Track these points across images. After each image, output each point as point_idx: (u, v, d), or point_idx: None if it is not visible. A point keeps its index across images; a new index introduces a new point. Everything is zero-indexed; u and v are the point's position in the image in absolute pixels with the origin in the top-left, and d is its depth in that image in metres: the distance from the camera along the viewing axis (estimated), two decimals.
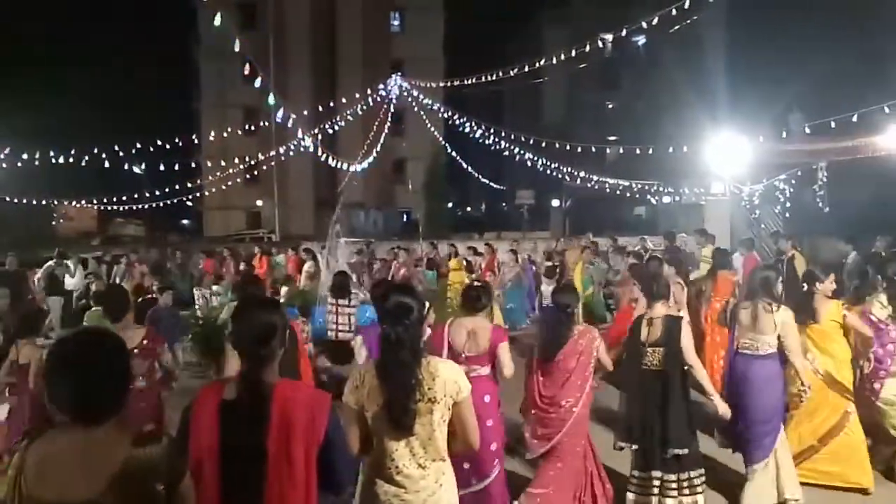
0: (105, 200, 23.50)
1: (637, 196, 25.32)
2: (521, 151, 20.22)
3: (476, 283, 5.36)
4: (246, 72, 10.46)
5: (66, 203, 28.05)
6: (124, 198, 22.71)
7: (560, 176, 22.08)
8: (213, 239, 29.24)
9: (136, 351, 4.61)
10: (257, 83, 10.81)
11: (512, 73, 16.23)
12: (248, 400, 2.29)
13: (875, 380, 5.47)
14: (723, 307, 7.10)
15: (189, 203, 27.37)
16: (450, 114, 20.53)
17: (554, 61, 14.98)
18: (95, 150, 17.14)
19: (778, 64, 25.68)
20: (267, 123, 20.26)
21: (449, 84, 20.96)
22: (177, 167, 19.55)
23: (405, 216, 37.32)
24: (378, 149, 20.49)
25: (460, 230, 36.05)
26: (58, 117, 30.51)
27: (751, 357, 5.01)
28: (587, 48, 13.55)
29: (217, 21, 8.83)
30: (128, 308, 4.92)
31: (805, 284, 5.34)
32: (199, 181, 26.66)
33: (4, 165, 17.12)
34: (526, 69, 15.82)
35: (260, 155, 22.53)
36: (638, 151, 17.36)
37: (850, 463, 5.22)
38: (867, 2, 25.32)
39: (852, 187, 19.56)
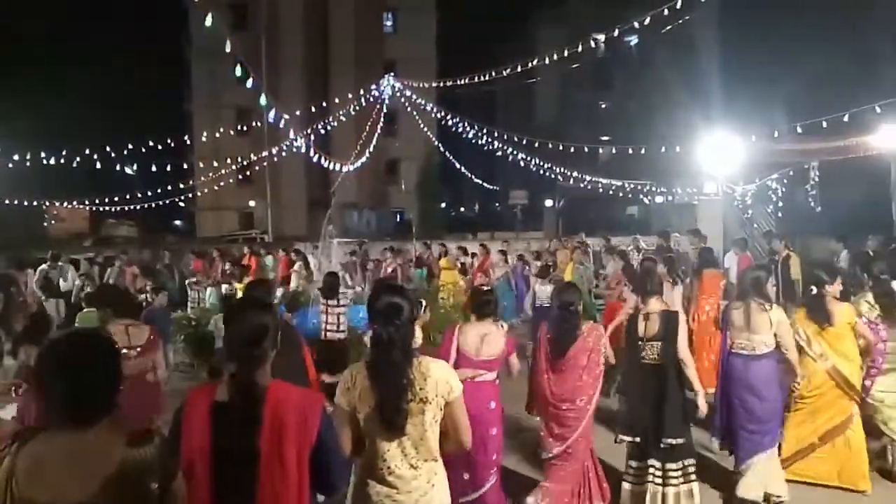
0: (97, 201, 23.40)
1: (630, 196, 25.38)
2: (515, 151, 20.24)
3: (484, 289, 5.42)
4: (238, 73, 10.42)
5: (57, 204, 27.91)
6: (116, 199, 22.63)
7: (553, 176, 22.11)
8: (206, 240, 29.14)
9: (141, 348, 4.80)
10: (249, 84, 10.77)
11: (504, 73, 16.24)
12: (241, 402, 2.29)
13: (866, 377, 5.51)
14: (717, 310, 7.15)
15: (181, 204, 27.29)
16: (443, 114, 20.53)
17: (546, 61, 14.99)
18: (87, 151, 17.07)
19: (770, 64, 25.81)
20: (259, 124, 20.19)
21: (442, 84, 20.97)
22: (169, 168, 19.48)
23: (398, 216, 37.32)
24: (371, 149, 20.49)
25: (454, 230, 36.09)
26: (49, 118, 30.39)
27: (748, 358, 5.03)
28: (580, 48, 13.57)
29: (208, 21, 8.78)
30: (136, 306, 4.99)
31: (814, 287, 5.31)
32: (191, 182, 26.56)
33: None
34: (518, 69, 15.84)
35: (252, 155, 22.49)
36: (630, 151, 17.40)
37: (848, 464, 5.23)
38: (859, 2, 25.48)
39: (844, 187, 19.66)
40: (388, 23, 40.53)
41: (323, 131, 18.96)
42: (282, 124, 12.58)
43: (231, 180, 27.69)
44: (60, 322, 12.05)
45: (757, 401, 4.97)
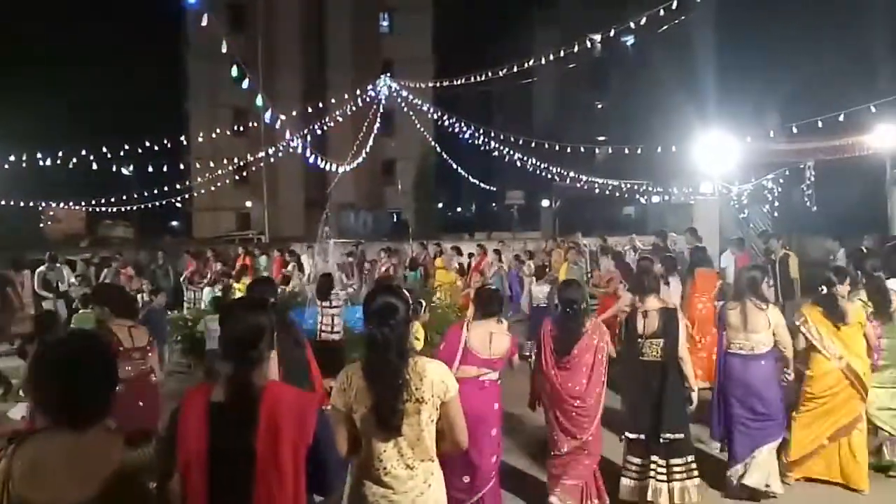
0: (93, 202, 23.35)
1: (626, 196, 25.42)
2: (511, 152, 20.25)
3: (491, 287, 5.45)
4: (234, 73, 10.41)
5: (53, 205, 27.85)
6: (113, 199, 22.60)
7: (550, 176, 22.12)
8: (203, 240, 29.10)
9: (143, 349, 4.83)
10: (245, 84, 10.76)
11: (501, 74, 16.25)
12: (237, 402, 2.28)
13: None
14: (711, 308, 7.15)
15: (178, 205, 27.24)
16: (439, 114, 20.53)
17: (543, 62, 15.01)
18: (83, 152, 17.04)
19: (765, 64, 25.86)
20: (256, 124, 20.19)
21: (438, 84, 20.97)
22: (165, 168, 19.44)
23: (395, 217, 37.31)
24: (367, 149, 20.48)
25: (450, 231, 36.11)
26: (45, 118, 30.34)
27: (747, 358, 5.05)
28: (576, 48, 13.58)
29: (204, 22, 8.78)
30: (135, 306, 4.99)
31: (824, 287, 5.31)
32: (188, 182, 26.54)
33: None
34: (515, 69, 15.85)
35: (249, 156, 22.46)
36: (627, 151, 17.43)
37: (849, 462, 5.23)
38: (854, 2, 25.55)
39: (840, 186, 19.71)
40: (385, 23, 40.52)
41: (320, 132, 18.95)
42: (278, 125, 12.57)
43: (228, 181, 27.63)
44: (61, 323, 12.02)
45: (757, 400, 4.99)
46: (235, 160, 24.36)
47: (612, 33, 12.69)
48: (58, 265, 13.29)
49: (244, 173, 29.46)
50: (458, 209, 57.26)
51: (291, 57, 36.80)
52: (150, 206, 23.66)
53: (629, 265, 9.61)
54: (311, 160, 16.53)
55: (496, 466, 4.55)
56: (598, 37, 13.29)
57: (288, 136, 14.89)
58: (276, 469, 2.25)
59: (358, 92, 19.34)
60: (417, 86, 20.89)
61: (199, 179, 26.09)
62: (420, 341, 6.42)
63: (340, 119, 19.39)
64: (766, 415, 4.99)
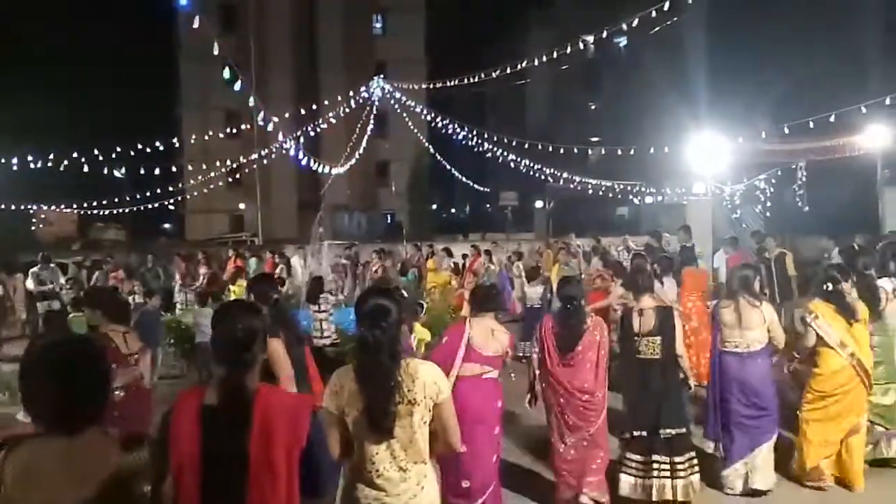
0: (85, 205, 23.27)
1: (620, 197, 25.49)
2: (505, 153, 20.28)
3: (487, 283, 5.47)
4: (226, 75, 10.38)
5: (45, 207, 27.73)
6: (105, 202, 22.52)
7: (543, 177, 22.17)
8: (196, 242, 29.02)
9: (137, 354, 4.79)
10: (237, 86, 10.74)
11: (494, 75, 16.29)
12: (230, 405, 2.28)
13: None
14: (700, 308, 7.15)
15: (171, 207, 27.16)
16: (433, 116, 20.55)
17: (536, 63, 15.05)
18: (75, 154, 16.97)
19: (757, 65, 25.96)
20: (249, 126, 20.14)
21: (432, 86, 20.99)
22: (158, 171, 19.39)
23: (389, 218, 37.31)
24: (361, 151, 20.47)
25: (444, 232, 36.12)
26: (36, 120, 30.16)
27: (743, 356, 5.08)
28: (569, 50, 13.62)
29: (196, 24, 8.76)
30: (128, 312, 4.94)
31: (830, 284, 5.30)
32: (180, 185, 26.47)
33: None
34: (508, 71, 15.88)
35: (242, 158, 22.41)
36: (620, 152, 17.49)
37: (846, 460, 5.23)
38: (844, 4, 25.70)
39: (831, 186, 19.83)
40: (378, 24, 40.51)
41: (313, 133, 18.93)
42: (270, 127, 12.54)
43: (221, 183, 27.58)
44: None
45: (754, 396, 5.02)
46: (228, 162, 24.32)
47: (604, 34, 12.74)
48: (51, 266, 13.23)
49: (237, 175, 29.39)
50: (453, 210, 57.29)
51: (284, 58, 36.76)
52: (142, 208, 23.60)
53: (620, 263, 9.65)
54: (304, 162, 16.49)
55: (496, 467, 4.55)
56: (590, 38, 13.33)
57: (281, 137, 14.85)
58: (269, 472, 2.24)
59: (351, 93, 19.33)
60: (411, 87, 20.90)
61: (191, 182, 26.05)
62: (425, 342, 6.43)
63: (334, 121, 19.37)
64: (764, 410, 5.03)
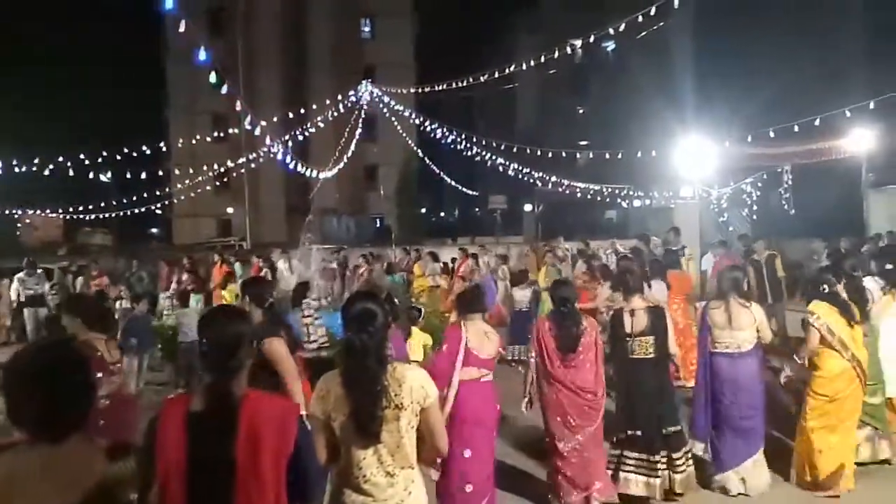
0: (71, 209, 23.09)
1: (608, 200, 25.61)
2: (493, 156, 20.34)
3: (473, 284, 5.49)
4: (213, 79, 10.36)
5: (30, 212, 27.49)
6: (91, 206, 22.36)
7: (532, 181, 22.24)
8: (184, 247, 28.87)
9: (119, 363, 4.72)
10: (224, 90, 10.71)
11: (483, 79, 16.34)
12: (216, 411, 2.26)
13: None
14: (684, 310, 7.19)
15: (158, 211, 27.01)
16: (421, 119, 20.58)
17: (524, 67, 15.12)
18: (60, 158, 16.84)
19: (743, 70, 26.18)
20: (237, 130, 20.07)
21: (420, 90, 21.03)
22: (145, 175, 19.28)
23: (378, 222, 37.25)
24: (349, 155, 20.46)
25: (434, 236, 36.08)
26: (22, 124, 29.92)
27: (734, 356, 5.12)
28: (556, 54, 13.69)
29: (182, 28, 8.74)
30: (110, 320, 4.85)
31: (826, 286, 5.33)
32: (168, 189, 26.33)
33: None
34: (497, 75, 15.94)
35: (230, 162, 22.32)
36: (608, 156, 17.58)
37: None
38: (829, 11, 25.99)
39: (817, 189, 20.03)
40: (367, 28, 40.49)
41: (301, 137, 18.90)
42: (258, 132, 12.53)
43: (208, 187, 27.45)
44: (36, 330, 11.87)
45: (745, 397, 5.07)
46: (216, 166, 24.21)
47: (592, 39, 12.81)
48: (39, 271, 13.11)
49: (225, 179, 29.29)
50: (442, 214, 57.25)
51: (272, 62, 36.66)
52: (129, 212, 23.44)
53: (606, 266, 9.70)
54: (292, 166, 16.47)
55: (492, 469, 4.60)
56: (578, 42, 13.41)
57: (268, 141, 14.82)
58: (256, 478, 2.23)
59: (339, 97, 19.32)
60: (399, 91, 20.93)
61: (178, 186, 25.91)
62: (427, 346, 6.40)
63: (322, 125, 19.36)
64: (755, 409, 5.09)
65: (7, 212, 23.43)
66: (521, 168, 20.93)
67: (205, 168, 24.28)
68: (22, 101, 35.63)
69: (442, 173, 24.78)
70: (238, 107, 11.27)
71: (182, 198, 27.04)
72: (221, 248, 24.62)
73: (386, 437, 2.62)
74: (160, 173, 22.12)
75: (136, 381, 8.58)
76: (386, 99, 20.34)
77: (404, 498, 2.67)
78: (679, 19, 22.77)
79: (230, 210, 36.16)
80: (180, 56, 32.03)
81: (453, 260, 15.62)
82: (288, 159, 16.31)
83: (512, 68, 15.76)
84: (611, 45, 31.91)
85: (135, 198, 21.94)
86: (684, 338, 8.04)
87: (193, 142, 22.24)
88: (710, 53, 28.96)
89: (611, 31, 11.99)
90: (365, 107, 19.65)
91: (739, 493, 5.08)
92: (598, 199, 24.92)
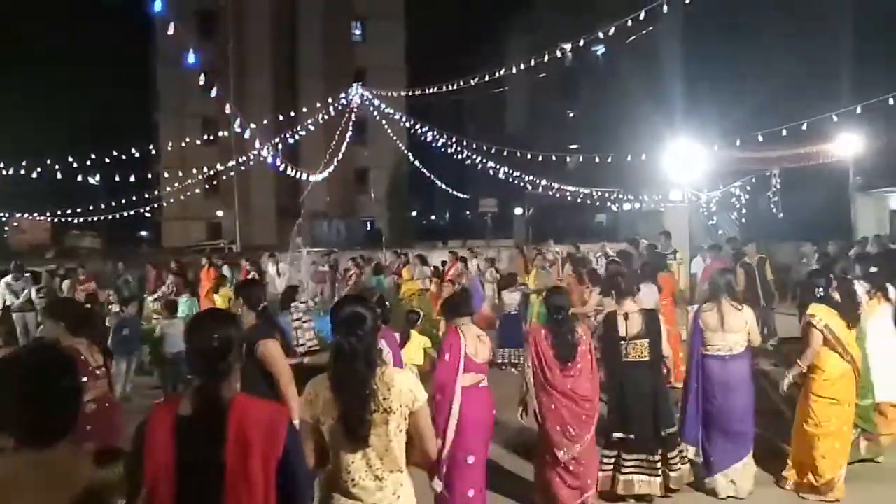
0: (59, 212, 22.92)
1: (598, 203, 25.72)
2: (484, 160, 20.37)
3: (460, 287, 5.49)
4: (202, 81, 10.32)
5: (17, 215, 27.26)
6: (79, 209, 22.21)
7: (522, 184, 22.30)
8: (173, 250, 28.72)
9: (103, 367, 4.65)
10: (213, 93, 10.68)
11: (473, 83, 16.38)
12: (205, 415, 2.25)
13: None
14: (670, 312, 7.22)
15: (147, 214, 26.87)
16: (412, 123, 20.60)
17: (514, 71, 15.16)
18: (48, 161, 16.73)
19: (732, 74, 26.39)
20: (227, 133, 20.01)
21: (411, 93, 21.05)
22: (134, 178, 19.18)
23: (368, 225, 37.21)
24: (340, 158, 20.44)
25: (424, 239, 36.07)
26: (9, 126, 29.66)
27: (726, 359, 5.15)
28: (546, 58, 13.74)
29: (170, 30, 8.70)
30: (92, 324, 4.79)
31: (821, 290, 5.35)
32: (157, 192, 26.20)
33: None
34: (487, 79, 15.98)
35: (219, 165, 22.25)
36: (598, 160, 17.65)
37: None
38: (816, 16, 26.22)
39: (805, 193, 20.19)
40: (357, 31, 40.48)
41: (291, 140, 18.87)
42: (247, 134, 12.49)
43: (198, 190, 27.33)
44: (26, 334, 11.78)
45: (736, 399, 5.10)
46: (205, 169, 24.11)
47: (582, 43, 12.86)
48: (26, 275, 12.98)
49: (214, 182, 29.17)
50: (432, 217, 57.28)
51: (263, 65, 36.58)
52: (118, 216, 23.30)
53: (595, 270, 9.72)
54: (282, 169, 16.43)
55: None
56: (568, 46, 13.46)
57: (258, 144, 14.77)
58: (245, 482, 2.22)
59: (330, 100, 19.31)
60: (390, 94, 20.94)
61: (168, 189, 25.79)
62: (429, 349, 6.39)
63: (312, 127, 19.33)
64: (746, 412, 5.13)
65: None
66: (511, 171, 20.98)
67: (194, 171, 24.19)
68: (10, 103, 35.34)
69: (433, 176, 24.81)
70: (228, 110, 11.23)
71: (171, 201, 26.94)
72: (210, 252, 24.51)
73: (374, 440, 2.62)
74: (149, 176, 21.99)
75: (124, 385, 8.55)
76: (377, 102, 20.35)
77: (393, 502, 2.67)
78: (668, 24, 22.95)
79: (220, 213, 36.00)
80: (170, 58, 31.89)
81: (443, 263, 15.62)
82: (278, 162, 16.27)
83: (502, 72, 15.80)
84: (601, 50, 32.10)
85: (124, 201, 21.80)
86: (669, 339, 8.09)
87: (183, 144, 22.14)
88: (699, 58, 29.17)
89: (601, 35, 12.04)
90: (356, 110, 19.65)
91: (729, 497, 5.10)
92: (589, 202, 25.03)
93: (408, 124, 21.59)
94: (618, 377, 5.08)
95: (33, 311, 12.19)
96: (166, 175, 25.26)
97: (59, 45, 41.94)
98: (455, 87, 16.99)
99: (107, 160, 17.06)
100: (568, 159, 23.09)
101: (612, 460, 5.02)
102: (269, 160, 16.48)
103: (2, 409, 2.01)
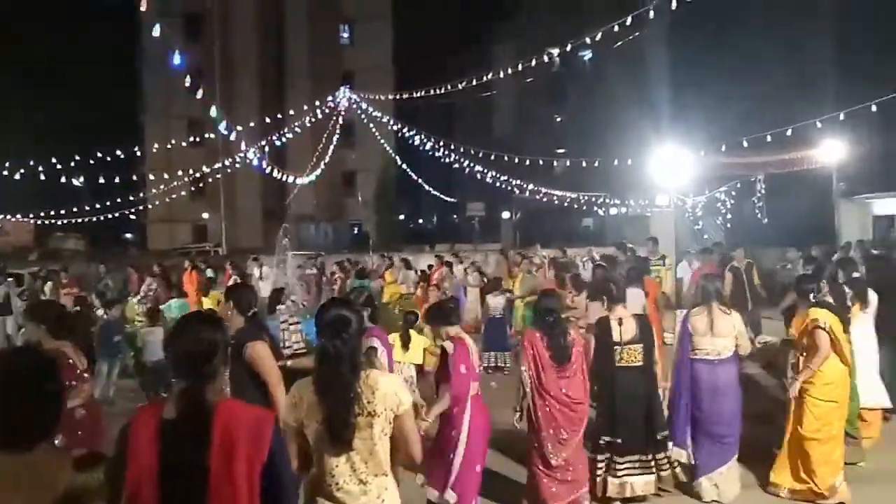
0: (42, 214, 22.70)
1: (585, 208, 25.83)
2: (472, 164, 20.41)
3: (447, 296, 5.49)
4: (188, 83, 10.27)
5: (0, 216, 26.95)
6: (63, 211, 22.00)
7: (510, 188, 22.35)
8: (158, 252, 28.52)
9: (88, 371, 4.63)
10: (199, 95, 10.63)
11: (461, 87, 16.42)
12: (189, 418, 2.23)
13: None
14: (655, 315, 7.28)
15: (132, 217, 26.69)
16: (400, 126, 20.61)
17: (502, 75, 15.22)
18: (32, 162, 16.58)
19: (717, 81, 26.60)
20: (213, 135, 19.92)
21: (399, 96, 21.06)
22: (119, 180, 19.04)
23: (356, 229, 37.15)
24: (327, 161, 20.40)
25: (412, 242, 36.09)
26: None
27: (714, 363, 5.18)
28: (533, 63, 13.80)
29: (156, 32, 8.66)
30: (74, 327, 4.75)
31: (812, 294, 5.40)
32: (142, 194, 26.03)
33: None
34: (475, 83, 16.03)
35: (206, 167, 22.13)
36: (585, 164, 17.73)
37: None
38: (801, 23, 26.52)
39: (789, 198, 20.39)
40: (345, 34, 40.47)
41: (278, 143, 18.81)
42: (233, 137, 12.44)
43: (184, 192, 27.20)
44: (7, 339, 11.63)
45: (725, 403, 5.14)
46: (191, 171, 23.97)
47: (569, 48, 12.93)
48: (10, 279, 12.83)
49: (200, 185, 29.02)
50: (420, 221, 57.32)
51: (249, 67, 36.48)
52: (102, 217, 23.10)
53: (578, 276, 9.70)
54: (269, 171, 16.37)
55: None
56: (555, 51, 13.53)
57: (244, 147, 14.70)
58: (229, 485, 2.20)
59: (317, 103, 19.28)
60: (378, 97, 20.94)
61: (153, 191, 25.62)
62: (430, 349, 6.36)
63: (299, 130, 19.29)
64: (733, 416, 5.16)
65: None
66: (498, 175, 21.04)
67: (180, 173, 24.04)
68: None
69: (420, 180, 24.82)
70: (214, 112, 11.17)
71: (157, 203, 26.76)
72: (195, 255, 24.35)
73: (359, 444, 2.61)
74: (135, 178, 21.81)
75: (107, 387, 8.47)
76: (364, 105, 20.34)
77: None
78: (655, 30, 23.10)
79: (206, 216, 35.83)
80: (156, 60, 31.72)
81: (430, 267, 15.61)
82: (264, 164, 16.21)
83: (490, 76, 15.86)
84: (588, 55, 32.26)
85: (108, 203, 21.61)
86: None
87: (168, 146, 22.01)
88: (685, 64, 29.39)
89: (587, 40, 12.11)
90: (343, 112, 19.63)
91: (713, 501, 5.12)
92: (576, 206, 25.14)
93: (395, 128, 21.60)
94: (610, 382, 5.08)
95: (11, 314, 12.06)
96: (152, 177, 25.09)
97: (44, 46, 41.59)
98: (443, 91, 17.03)
99: (91, 161, 16.94)
100: (555, 163, 23.16)
101: (604, 464, 5.03)
102: (256, 163, 16.41)
103: None
